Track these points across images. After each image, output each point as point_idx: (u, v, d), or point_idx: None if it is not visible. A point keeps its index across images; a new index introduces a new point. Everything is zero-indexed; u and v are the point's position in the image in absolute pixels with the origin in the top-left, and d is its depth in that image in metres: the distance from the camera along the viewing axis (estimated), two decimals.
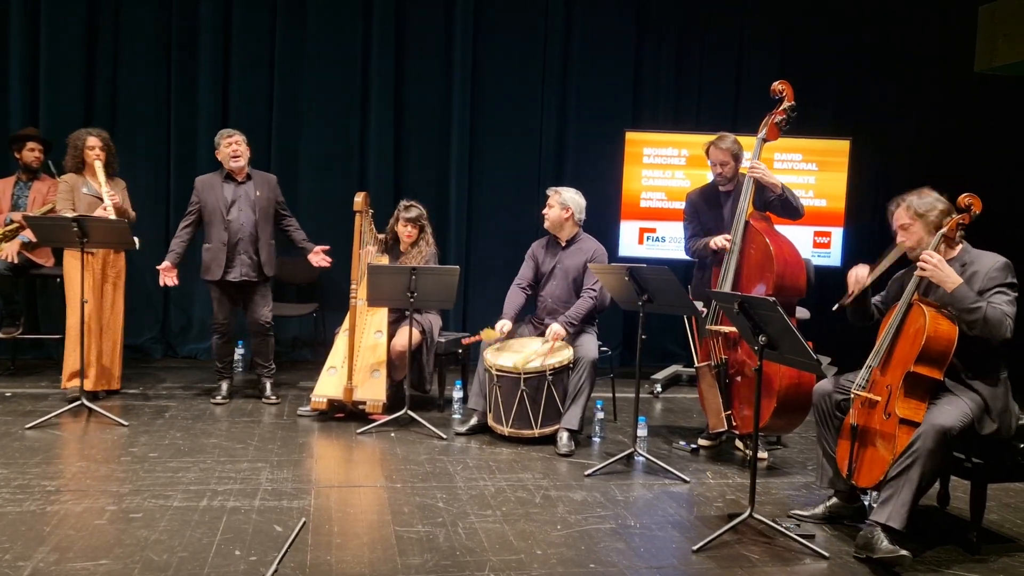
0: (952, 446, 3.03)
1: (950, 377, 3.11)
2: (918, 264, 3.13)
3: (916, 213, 3.18)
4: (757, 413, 3.29)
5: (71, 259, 4.86)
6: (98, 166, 4.85)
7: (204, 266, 4.98)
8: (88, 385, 4.84)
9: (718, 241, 4.21)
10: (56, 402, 4.76)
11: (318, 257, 5.09)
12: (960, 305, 3.02)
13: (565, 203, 4.61)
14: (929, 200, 3.19)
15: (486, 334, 4.57)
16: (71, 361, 4.85)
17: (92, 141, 4.87)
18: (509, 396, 4.37)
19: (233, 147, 4.92)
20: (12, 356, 5.58)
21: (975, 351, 3.08)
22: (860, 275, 3.31)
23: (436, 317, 5.09)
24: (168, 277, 4.93)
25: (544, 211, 4.66)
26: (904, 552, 2.89)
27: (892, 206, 3.27)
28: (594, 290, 4.53)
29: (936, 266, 3.06)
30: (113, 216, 4.73)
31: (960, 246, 3.20)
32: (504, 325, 4.58)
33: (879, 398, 3.13)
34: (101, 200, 4.87)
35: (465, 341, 4.99)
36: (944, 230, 3.13)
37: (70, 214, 4.70)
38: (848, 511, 3.40)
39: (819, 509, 3.43)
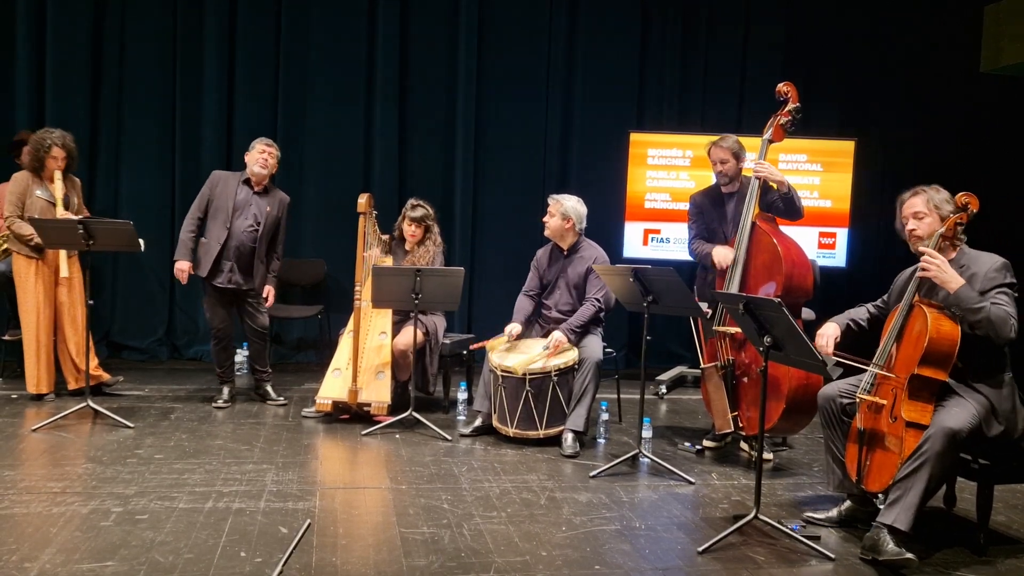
0: (961, 448, 3.02)
1: (955, 380, 3.09)
2: (920, 265, 3.12)
3: (933, 205, 3.20)
4: (763, 414, 3.28)
5: (22, 265, 4.86)
6: (57, 176, 4.84)
7: (196, 260, 4.92)
8: (71, 385, 5.01)
9: (720, 260, 4.19)
10: (61, 404, 4.77)
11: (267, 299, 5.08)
12: (964, 305, 3.01)
13: (566, 213, 4.58)
14: (944, 196, 3.23)
15: (492, 344, 4.54)
16: (31, 365, 4.90)
17: (57, 152, 4.83)
18: (514, 397, 4.37)
19: (265, 154, 4.91)
20: (17, 359, 5.58)
21: (978, 353, 3.07)
22: (827, 345, 3.34)
23: (441, 318, 5.09)
24: (187, 276, 4.93)
25: (545, 219, 4.65)
26: (910, 554, 2.88)
27: (907, 195, 3.28)
28: (599, 299, 4.52)
29: (940, 267, 3.06)
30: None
31: (959, 248, 3.20)
32: (514, 328, 4.58)
33: (884, 401, 3.12)
34: (55, 206, 4.86)
35: (473, 347, 4.99)
36: (942, 229, 3.14)
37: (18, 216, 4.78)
38: (862, 514, 3.35)
39: (833, 513, 3.40)
